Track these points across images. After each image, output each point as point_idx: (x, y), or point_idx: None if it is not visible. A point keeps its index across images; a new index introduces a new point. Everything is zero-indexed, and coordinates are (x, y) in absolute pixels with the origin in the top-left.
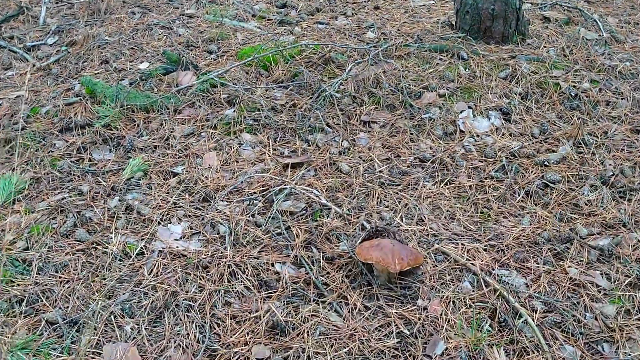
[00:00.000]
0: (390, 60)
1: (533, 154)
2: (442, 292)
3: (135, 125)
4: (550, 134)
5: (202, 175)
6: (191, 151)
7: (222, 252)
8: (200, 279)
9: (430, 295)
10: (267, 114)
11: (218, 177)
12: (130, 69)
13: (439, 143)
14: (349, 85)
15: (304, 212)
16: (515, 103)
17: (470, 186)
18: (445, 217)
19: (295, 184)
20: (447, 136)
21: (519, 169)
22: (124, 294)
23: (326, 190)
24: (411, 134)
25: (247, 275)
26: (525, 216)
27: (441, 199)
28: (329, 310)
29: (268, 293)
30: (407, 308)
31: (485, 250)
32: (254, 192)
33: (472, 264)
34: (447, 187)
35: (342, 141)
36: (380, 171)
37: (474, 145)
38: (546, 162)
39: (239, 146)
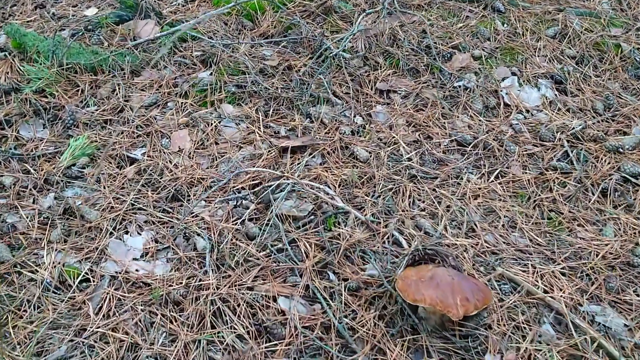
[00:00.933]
0: (409, 11)
1: (602, 137)
2: (518, 341)
3: (78, 91)
4: (618, 109)
5: (170, 162)
6: (154, 128)
7: (201, 279)
8: (172, 322)
9: (501, 347)
10: (255, 79)
11: (192, 166)
12: (72, 15)
13: (480, 120)
14: (358, 42)
15: (312, 217)
16: (569, 69)
17: (528, 180)
18: (503, 226)
19: (299, 176)
20: (489, 111)
21: (587, 157)
22: (59, 348)
23: (339, 186)
24: (443, 107)
25: (239, 316)
26: (607, 224)
27: (494, 199)
28: None
29: (271, 345)
30: None
31: (564, 275)
32: (243, 188)
33: (551, 297)
34: (498, 181)
35: (355, 116)
36: (409, 158)
37: (524, 123)
38: (620, 148)
39: (219, 122)
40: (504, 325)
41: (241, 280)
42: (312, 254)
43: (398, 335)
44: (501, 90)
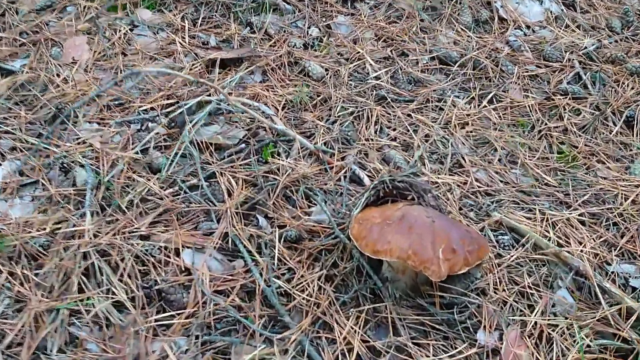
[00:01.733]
0: None
1: (621, 58)
2: (523, 313)
3: None
4: (639, 27)
5: (58, 75)
6: (44, 36)
7: (75, 225)
8: (21, 284)
9: (500, 321)
10: None
11: (87, 81)
12: None
13: (468, 36)
14: None
15: (243, 146)
16: None
17: (531, 107)
18: (500, 161)
19: (229, 94)
20: (480, 26)
21: (605, 81)
22: None
23: (284, 109)
24: (422, 20)
25: (121, 275)
26: (636, 160)
27: (487, 128)
28: None
29: (165, 318)
30: (460, 352)
31: (583, 224)
32: (151, 109)
33: (568, 252)
34: (492, 106)
35: (309, 27)
36: (377, 77)
37: (524, 41)
38: None
39: (131, 29)
40: (504, 290)
41: (132, 226)
42: (239, 193)
43: (352, 303)
44: (495, 2)
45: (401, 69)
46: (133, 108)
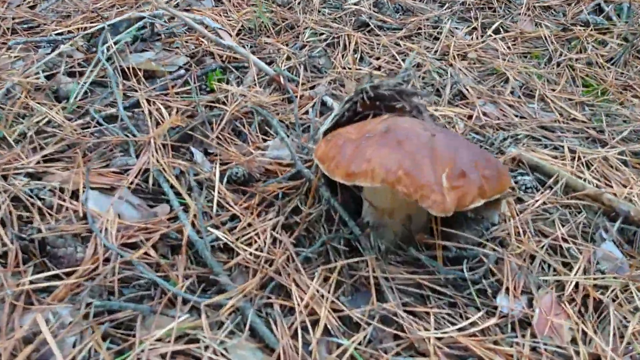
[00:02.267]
0: None
1: None
2: (557, 272)
3: None
4: None
5: None
6: None
7: None
8: None
9: (528, 282)
10: None
11: None
12: None
13: None
14: None
15: (181, 73)
16: None
17: (546, 37)
18: (513, 93)
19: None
20: None
21: (634, 12)
22: None
23: (239, 34)
24: None
25: None
26: None
27: (494, 58)
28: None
29: (45, 279)
30: (474, 324)
31: (625, 163)
32: (68, 32)
33: (613, 195)
34: (499, 36)
35: None
36: (356, 3)
37: None
38: None
39: None
40: (530, 242)
41: (19, 162)
42: (169, 123)
43: (319, 260)
44: None
45: None
46: (46, 31)
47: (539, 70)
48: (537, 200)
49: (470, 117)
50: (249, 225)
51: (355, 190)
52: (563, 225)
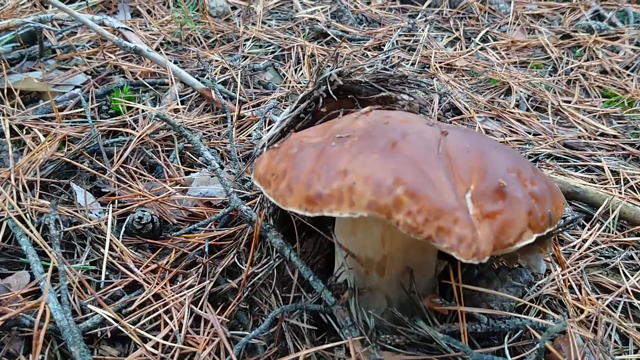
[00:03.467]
0: None
1: None
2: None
3: None
4: None
5: None
6: None
7: None
8: None
9: None
10: None
11: None
12: None
13: None
14: None
15: (74, 93)
16: None
17: (544, 46)
18: (518, 105)
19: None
20: None
21: (639, 17)
22: None
23: (162, 47)
24: None
25: None
26: None
27: (489, 67)
28: None
29: None
30: None
31: None
32: None
33: None
34: (488, 45)
35: None
36: (311, 13)
37: None
38: None
39: None
40: (588, 299)
41: None
42: (37, 150)
43: (271, 349)
44: None
45: (347, 8)
46: None
47: (543, 80)
48: (584, 240)
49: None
50: (157, 297)
51: (320, 232)
52: (632, 274)
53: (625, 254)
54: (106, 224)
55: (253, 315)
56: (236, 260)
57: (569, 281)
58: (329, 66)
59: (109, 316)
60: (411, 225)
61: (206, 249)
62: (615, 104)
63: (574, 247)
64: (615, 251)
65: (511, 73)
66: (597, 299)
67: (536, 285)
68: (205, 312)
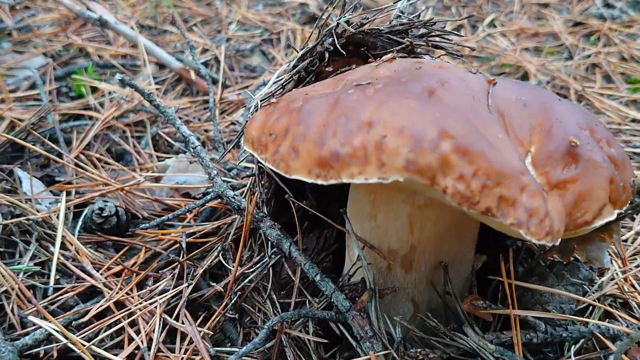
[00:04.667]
0: None
1: None
2: None
3: None
4: None
5: None
6: None
7: None
8: None
9: None
10: None
11: None
12: None
13: None
14: None
15: (29, 74)
16: None
17: (559, 33)
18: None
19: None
20: None
21: None
22: None
23: (139, 28)
24: None
25: None
26: None
27: (502, 51)
28: None
29: None
30: None
31: None
32: None
33: None
34: (497, 31)
35: None
36: None
37: None
38: None
39: None
40: None
41: None
42: None
43: None
44: None
45: None
46: None
47: (560, 65)
48: (637, 233)
49: None
50: (119, 306)
51: (328, 220)
52: None
53: None
54: (58, 216)
55: (243, 327)
56: (222, 259)
57: (629, 277)
58: (335, 15)
59: (55, 331)
60: (464, 193)
61: (184, 245)
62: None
63: (625, 240)
64: None
65: (525, 58)
66: None
67: (598, 283)
68: (182, 323)
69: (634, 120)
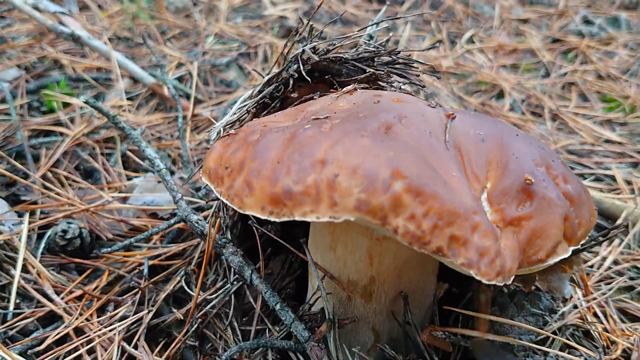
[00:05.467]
0: None
1: (635, 2)
2: None
3: None
4: None
5: None
6: None
7: None
8: None
9: None
10: None
11: None
12: None
13: None
14: None
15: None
16: None
17: (537, 50)
18: (512, 109)
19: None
20: None
21: (631, 23)
22: None
23: (111, 43)
24: None
25: None
26: None
27: (478, 68)
28: None
29: None
30: None
31: None
32: None
33: None
34: (475, 47)
35: None
36: (282, 10)
37: None
38: None
39: None
40: (616, 326)
41: None
42: None
43: None
44: None
45: (320, 7)
46: None
47: (536, 83)
48: (603, 258)
49: None
50: (78, 332)
51: (290, 248)
52: None
53: None
54: (20, 238)
55: (204, 355)
56: (184, 284)
57: (592, 307)
58: (301, 40)
59: (8, 359)
60: (414, 233)
61: (145, 270)
62: (616, 109)
63: (591, 266)
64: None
65: (501, 75)
66: (624, 326)
67: (559, 313)
68: (142, 351)
69: (607, 141)
